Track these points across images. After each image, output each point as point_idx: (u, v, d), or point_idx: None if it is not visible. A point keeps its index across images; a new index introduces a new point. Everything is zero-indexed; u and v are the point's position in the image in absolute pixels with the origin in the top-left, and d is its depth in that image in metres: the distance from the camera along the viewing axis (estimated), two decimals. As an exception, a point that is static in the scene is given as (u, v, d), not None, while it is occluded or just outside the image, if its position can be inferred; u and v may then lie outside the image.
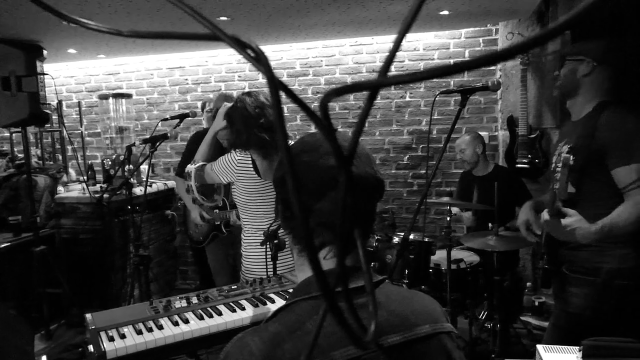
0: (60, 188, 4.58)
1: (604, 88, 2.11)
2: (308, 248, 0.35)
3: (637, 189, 1.93)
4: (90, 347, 1.66)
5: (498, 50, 0.30)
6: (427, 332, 0.95)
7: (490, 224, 3.39)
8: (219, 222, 3.52)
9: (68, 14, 0.43)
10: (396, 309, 0.95)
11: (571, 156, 1.77)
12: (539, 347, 1.65)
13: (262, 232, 2.53)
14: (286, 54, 5.06)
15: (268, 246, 2.38)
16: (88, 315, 1.84)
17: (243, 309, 1.95)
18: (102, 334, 1.72)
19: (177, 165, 3.89)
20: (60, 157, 5.15)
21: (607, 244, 2.01)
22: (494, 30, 4.51)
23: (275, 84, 0.38)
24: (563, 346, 1.62)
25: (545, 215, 1.92)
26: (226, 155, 2.59)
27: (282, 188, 1.01)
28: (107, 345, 1.66)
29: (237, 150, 2.54)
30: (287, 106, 4.63)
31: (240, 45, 0.39)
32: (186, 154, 3.83)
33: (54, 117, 4.94)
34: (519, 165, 4.19)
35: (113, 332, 1.73)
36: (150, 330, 1.77)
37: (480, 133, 3.97)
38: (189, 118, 4.06)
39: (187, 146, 3.93)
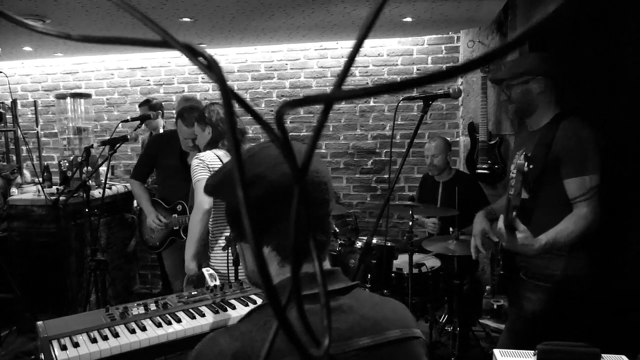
0: (13, 190, 4.41)
1: (556, 98, 2.16)
2: (258, 264, 0.34)
3: (584, 202, 1.99)
4: (42, 356, 1.60)
5: (459, 64, 0.30)
6: (397, 336, 0.97)
7: (451, 229, 3.44)
8: (177, 227, 3.45)
9: (12, 14, 0.41)
10: (367, 313, 0.97)
11: (526, 162, 1.80)
12: (496, 351, 1.68)
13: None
14: (251, 57, 5.03)
15: (229, 251, 2.36)
16: (39, 323, 1.77)
17: (203, 315, 1.92)
18: (54, 343, 1.66)
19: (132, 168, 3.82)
20: (14, 158, 4.96)
21: (562, 252, 2.07)
22: (456, 38, 4.60)
23: (228, 93, 0.37)
24: (519, 350, 1.65)
25: (500, 223, 1.94)
26: (192, 164, 2.68)
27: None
28: (59, 355, 1.60)
29: (196, 153, 2.72)
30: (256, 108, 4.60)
31: (193, 53, 0.38)
32: (144, 157, 3.74)
33: (8, 116, 4.77)
34: (479, 171, 4.28)
35: (66, 341, 1.67)
36: (105, 338, 1.72)
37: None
38: (151, 120, 3.98)
39: (145, 149, 3.83)
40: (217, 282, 2.19)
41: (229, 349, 0.87)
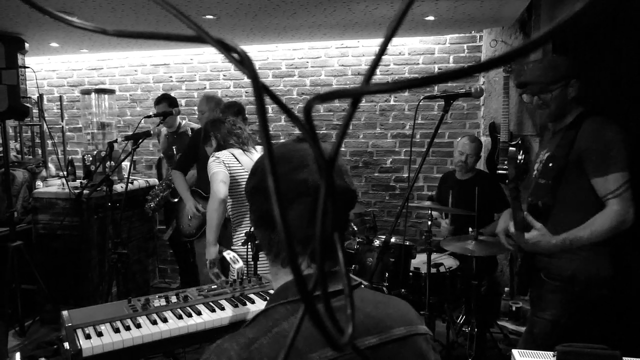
0: (39, 183, 4.51)
1: (578, 98, 2.15)
2: (289, 253, 0.35)
3: (613, 199, 1.97)
4: (66, 344, 1.64)
5: (480, 62, 0.30)
6: (402, 334, 0.96)
7: (470, 229, 3.42)
8: None
9: (53, 11, 0.43)
10: (371, 312, 0.97)
11: (520, 150, 1.81)
12: (514, 351, 1.67)
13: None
14: (272, 54, 5.06)
15: (249, 246, 2.39)
16: (64, 312, 1.82)
17: (222, 309, 1.95)
18: (79, 332, 1.71)
19: (177, 160, 4.04)
20: (39, 152, 5.07)
21: (584, 253, 2.05)
22: (478, 37, 4.57)
23: (260, 88, 0.38)
24: (537, 351, 1.64)
25: (511, 227, 1.95)
26: (209, 161, 2.89)
27: (254, 198, 1.01)
28: (83, 343, 1.64)
29: (211, 155, 2.96)
30: (272, 107, 4.62)
31: (226, 48, 0.39)
32: (188, 150, 3.91)
33: (34, 110, 4.87)
34: (499, 171, 4.24)
35: (90, 330, 1.72)
36: (127, 328, 1.76)
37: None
38: (173, 116, 4.04)
39: (190, 143, 3.98)
40: (240, 264, 2.26)
41: (237, 356, 0.86)
